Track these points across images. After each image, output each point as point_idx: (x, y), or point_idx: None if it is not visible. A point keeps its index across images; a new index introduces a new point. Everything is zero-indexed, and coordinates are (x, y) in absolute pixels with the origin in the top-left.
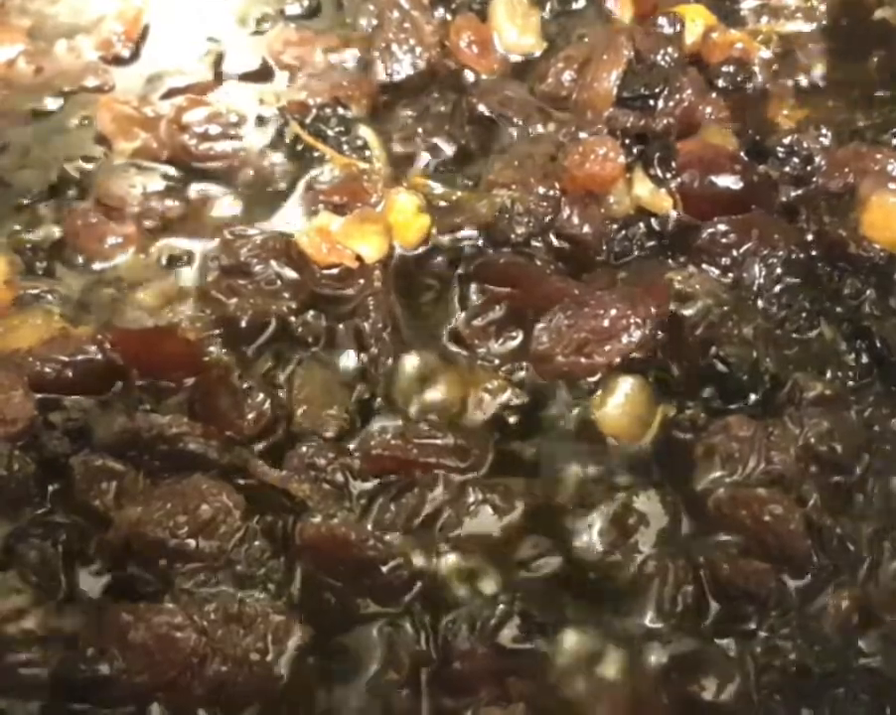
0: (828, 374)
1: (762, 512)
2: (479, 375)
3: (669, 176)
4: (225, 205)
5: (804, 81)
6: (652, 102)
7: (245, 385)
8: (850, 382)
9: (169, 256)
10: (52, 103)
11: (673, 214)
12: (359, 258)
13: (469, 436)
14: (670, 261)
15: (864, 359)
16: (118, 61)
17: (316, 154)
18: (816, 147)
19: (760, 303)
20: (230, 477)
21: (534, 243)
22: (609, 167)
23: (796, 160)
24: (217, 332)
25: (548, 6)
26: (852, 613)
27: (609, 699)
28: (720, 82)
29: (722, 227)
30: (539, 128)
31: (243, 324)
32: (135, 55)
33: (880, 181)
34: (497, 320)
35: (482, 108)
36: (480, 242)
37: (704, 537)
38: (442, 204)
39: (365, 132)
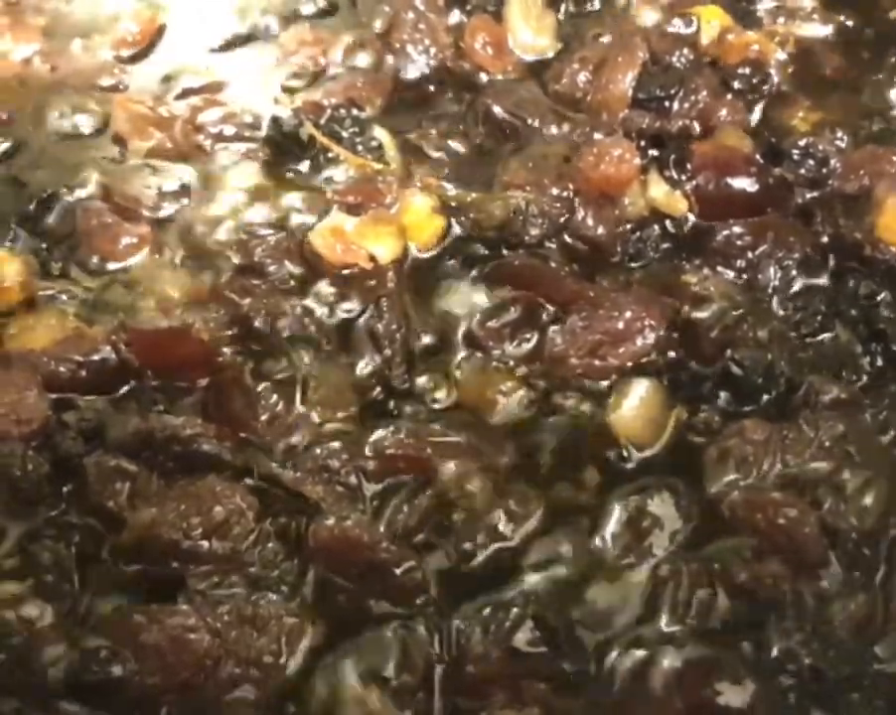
0: (844, 377)
1: (777, 515)
2: (493, 377)
3: (684, 178)
4: (239, 204)
5: (819, 83)
6: (667, 104)
7: (259, 386)
8: (866, 385)
9: (183, 257)
10: (67, 103)
11: (689, 216)
12: (373, 259)
13: (483, 437)
14: (684, 263)
15: (880, 362)
16: (133, 60)
17: (331, 155)
18: (831, 149)
19: (775, 305)
20: (244, 478)
21: (548, 245)
22: (624, 168)
23: (811, 162)
24: (230, 332)
25: (563, 7)
26: (868, 617)
27: (624, 704)
28: (736, 84)
29: (737, 230)
30: (554, 129)
31: (257, 324)
32: (150, 54)
33: None
34: (511, 321)
35: (496, 109)
36: (494, 244)
37: (719, 541)
38: (456, 205)
39: (379, 133)
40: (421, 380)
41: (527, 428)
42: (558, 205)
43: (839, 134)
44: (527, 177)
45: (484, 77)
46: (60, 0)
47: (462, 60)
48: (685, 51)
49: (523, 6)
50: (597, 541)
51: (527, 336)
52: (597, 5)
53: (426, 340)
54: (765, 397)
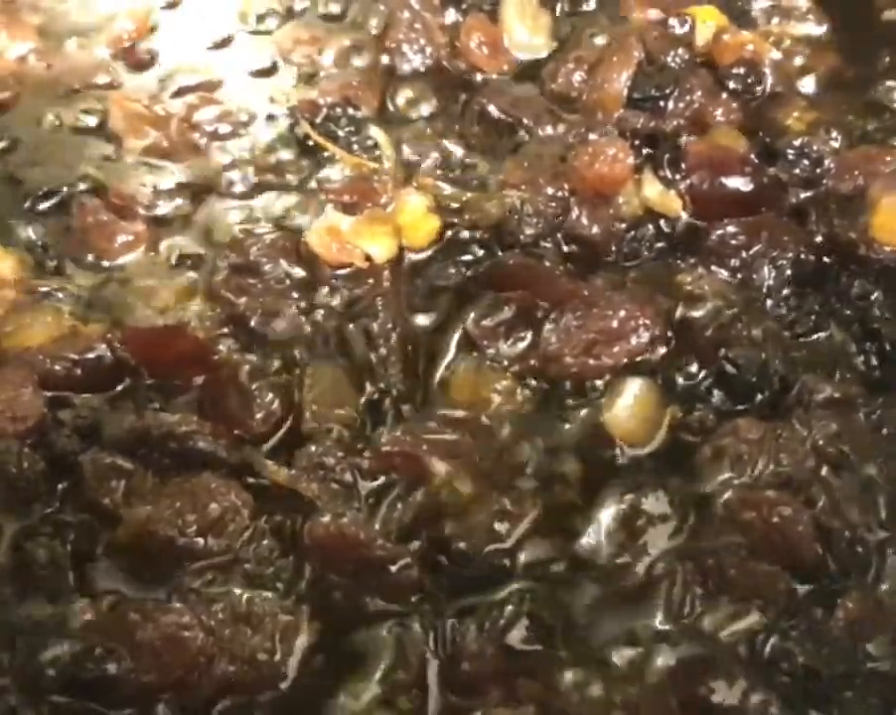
0: (837, 376)
1: (770, 514)
2: (488, 376)
3: (678, 177)
4: (235, 203)
5: (814, 83)
6: (662, 104)
7: (255, 385)
8: (859, 384)
9: (179, 255)
10: (62, 101)
11: (683, 215)
12: (368, 258)
13: (478, 436)
14: (679, 263)
15: (873, 362)
16: (129, 58)
17: (326, 154)
18: (825, 149)
19: (769, 305)
20: (239, 476)
21: (543, 244)
22: (618, 168)
23: (806, 162)
24: (226, 331)
25: (559, 7)
26: (861, 615)
27: (618, 701)
28: (731, 84)
29: (732, 229)
30: (549, 129)
31: (253, 323)
32: (146, 53)
33: (890, 183)
34: (506, 320)
35: (492, 109)
36: (489, 243)
37: (713, 539)
38: (452, 204)
39: (375, 132)
40: (416, 379)
41: (522, 427)
42: (553, 204)
43: (834, 134)
44: (523, 176)
45: (479, 77)
46: None
47: (458, 59)
48: (680, 51)
49: (519, 5)
50: (592, 540)
51: (522, 335)
52: (592, 4)
53: (421, 339)
54: (759, 396)
